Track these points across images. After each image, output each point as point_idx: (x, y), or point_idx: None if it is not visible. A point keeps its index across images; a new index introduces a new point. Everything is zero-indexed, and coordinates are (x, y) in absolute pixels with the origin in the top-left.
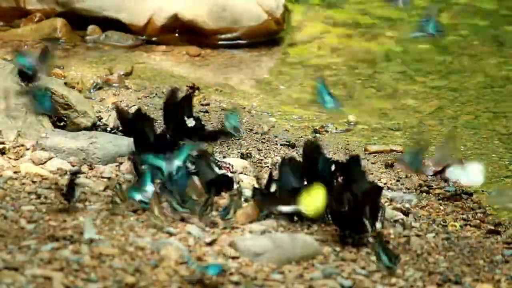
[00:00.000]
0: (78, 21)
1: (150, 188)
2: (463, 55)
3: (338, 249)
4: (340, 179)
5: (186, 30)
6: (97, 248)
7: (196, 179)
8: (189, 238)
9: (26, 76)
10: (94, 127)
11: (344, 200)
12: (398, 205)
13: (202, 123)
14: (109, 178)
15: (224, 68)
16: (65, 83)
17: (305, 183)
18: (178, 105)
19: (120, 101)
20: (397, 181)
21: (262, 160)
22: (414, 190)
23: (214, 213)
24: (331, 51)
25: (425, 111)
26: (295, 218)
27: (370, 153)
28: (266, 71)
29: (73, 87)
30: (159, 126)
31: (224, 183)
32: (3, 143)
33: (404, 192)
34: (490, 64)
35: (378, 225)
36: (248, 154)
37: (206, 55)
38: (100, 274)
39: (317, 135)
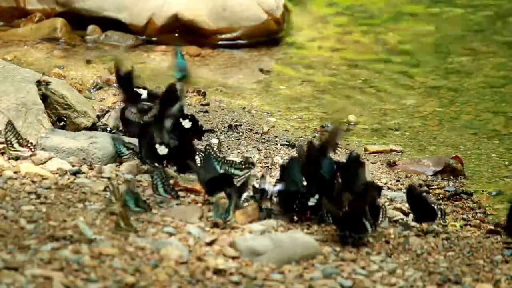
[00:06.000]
0: (78, 21)
1: None
2: (463, 55)
3: (338, 249)
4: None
5: (186, 30)
6: (97, 248)
7: None
8: (189, 238)
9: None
10: (94, 127)
11: (344, 200)
12: (398, 205)
13: (200, 124)
14: (109, 178)
15: (224, 68)
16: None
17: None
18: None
19: (120, 101)
20: (397, 181)
21: (262, 160)
22: None
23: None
24: (331, 51)
25: (425, 111)
26: (295, 218)
27: (370, 153)
28: (266, 71)
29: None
30: None
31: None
32: (3, 143)
33: (404, 192)
34: (490, 64)
35: (383, 224)
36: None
37: (206, 55)
38: (100, 274)
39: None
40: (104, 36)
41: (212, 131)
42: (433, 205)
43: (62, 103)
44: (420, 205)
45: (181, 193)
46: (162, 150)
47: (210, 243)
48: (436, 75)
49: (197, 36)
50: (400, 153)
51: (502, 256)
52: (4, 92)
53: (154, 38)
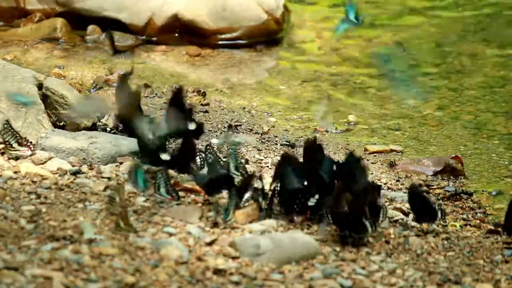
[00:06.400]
0: (78, 21)
1: None
2: (463, 55)
3: (338, 249)
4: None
5: (186, 30)
6: (97, 248)
7: None
8: (189, 238)
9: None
10: (94, 127)
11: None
12: (398, 205)
13: (202, 127)
14: (109, 178)
15: (224, 68)
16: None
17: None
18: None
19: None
20: (397, 181)
21: (262, 160)
22: None
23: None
24: (331, 51)
25: (425, 111)
26: (295, 218)
27: (370, 153)
28: (266, 71)
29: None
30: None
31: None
32: (3, 143)
33: (404, 192)
34: (490, 64)
35: (383, 224)
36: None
37: (206, 55)
38: (100, 274)
39: (317, 135)
40: (104, 36)
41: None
42: (434, 205)
43: (62, 103)
44: (421, 205)
45: (181, 193)
46: (164, 156)
47: (210, 243)
48: (436, 75)
49: (197, 36)
50: (400, 153)
51: (502, 256)
52: (4, 92)
53: (154, 38)
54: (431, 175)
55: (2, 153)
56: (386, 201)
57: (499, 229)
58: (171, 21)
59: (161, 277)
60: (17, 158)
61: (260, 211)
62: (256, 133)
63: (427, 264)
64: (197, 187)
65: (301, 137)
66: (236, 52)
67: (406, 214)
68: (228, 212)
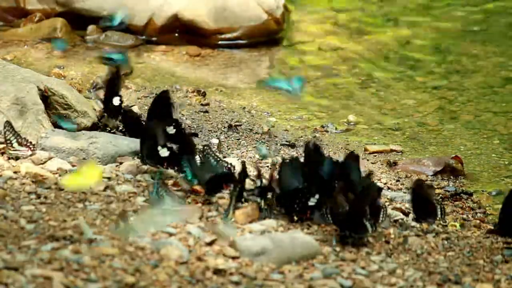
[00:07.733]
0: (78, 21)
1: None
2: (463, 55)
3: (338, 249)
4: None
5: (186, 30)
6: (97, 248)
7: None
8: (189, 238)
9: None
10: (94, 127)
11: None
12: (398, 205)
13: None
14: (109, 178)
15: (224, 68)
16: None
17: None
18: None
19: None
20: (397, 181)
21: (262, 160)
22: None
23: (215, 213)
24: (331, 51)
25: (425, 111)
26: (295, 218)
27: (370, 153)
28: (266, 71)
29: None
30: None
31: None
32: (3, 143)
33: (404, 192)
34: (490, 64)
35: (383, 224)
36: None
37: (206, 55)
38: (100, 274)
39: (317, 135)
40: (104, 36)
41: (195, 134)
42: (435, 203)
43: (62, 103)
44: (423, 202)
45: (181, 193)
46: (163, 152)
47: (210, 243)
48: (436, 75)
49: (197, 36)
50: (400, 153)
51: (502, 256)
52: (4, 92)
53: (154, 38)
54: (431, 175)
55: (2, 153)
56: (386, 201)
57: (494, 228)
58: (171, 21)
59: (161, 277)
60: (17, 158)
61: (260, 211)
62: (256, 133)
63: (427, 264)
64: (197, 187)
65: (301, 137)
66: (236, 52)
67: (406, 214)
68: (228, 212)
